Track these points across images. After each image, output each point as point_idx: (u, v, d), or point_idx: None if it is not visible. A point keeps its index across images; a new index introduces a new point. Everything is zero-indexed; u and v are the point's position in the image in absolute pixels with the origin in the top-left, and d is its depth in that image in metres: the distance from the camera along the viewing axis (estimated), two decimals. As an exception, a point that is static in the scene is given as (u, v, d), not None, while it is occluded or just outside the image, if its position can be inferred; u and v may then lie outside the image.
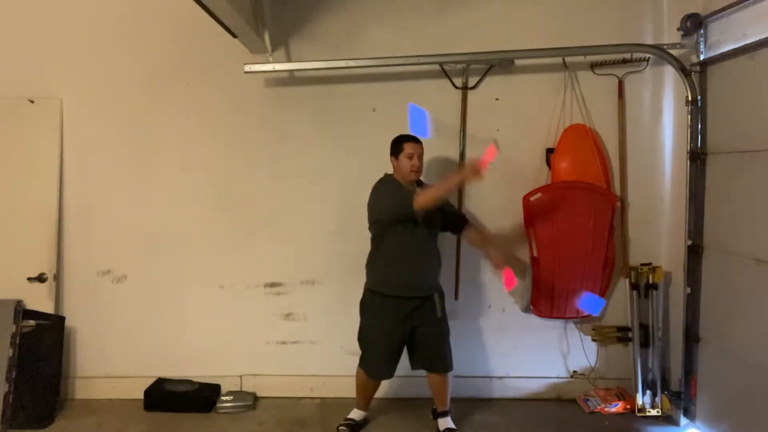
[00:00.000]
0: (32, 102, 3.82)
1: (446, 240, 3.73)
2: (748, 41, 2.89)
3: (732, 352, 3.04)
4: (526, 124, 3.73)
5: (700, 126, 3.29)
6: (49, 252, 3.80)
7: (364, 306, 3.30)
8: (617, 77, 3.67)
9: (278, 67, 3.62)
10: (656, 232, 3.73)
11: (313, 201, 3.83)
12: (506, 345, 3.84)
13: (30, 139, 3.84)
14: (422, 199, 3.00)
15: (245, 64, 3.57)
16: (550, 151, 3.69)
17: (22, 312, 3.64)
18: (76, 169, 3.86)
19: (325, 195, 3.81)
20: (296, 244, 3.86)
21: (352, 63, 3.55)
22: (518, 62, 3.71)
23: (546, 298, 3.59)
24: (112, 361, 3.90)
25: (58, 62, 3.84)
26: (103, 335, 3.90)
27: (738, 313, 3.00)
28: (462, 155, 3.73)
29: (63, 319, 3.81)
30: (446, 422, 3.35)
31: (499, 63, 3.68)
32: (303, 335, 3.90)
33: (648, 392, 3.57)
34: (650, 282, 3.59)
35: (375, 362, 3.29)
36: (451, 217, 3.38)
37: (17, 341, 3.58)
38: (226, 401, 3.74)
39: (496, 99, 3.75)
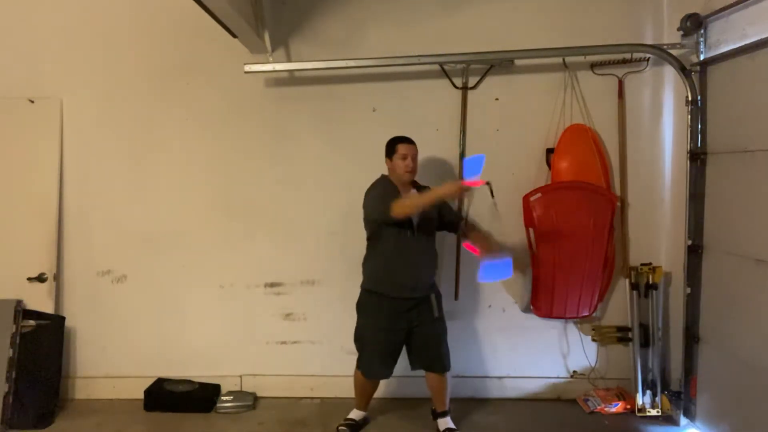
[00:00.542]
0: (32, 102, 3.82)
1: (446, 240, 3.74)
2: (748, 41, 2.88)
3: (732, 352, 3.04)
4: (526, 124, 3.73)
5: (700, 126, 3.29)
6: (49, 252, 3.80)
7: (361, 306, 3.31)
8: (617, 77, 3.67)
9: (278, 67, 3.62)
10: (656, 232, 3.73)
11: (313, 201, 3.83)
12: (506, 345, 3.84)
13: (30, 139, 3.84)
14: (400, 208, 2.97)
15: (245, 64, 3.58)
16: (550, 151, 3.69)
17: (22, 312, 3.65)
18: (76, 169, 3.87)
19: (326, 195, 3.81)
20: (296, 244, 3.86)
21: (352, 63, 3.55)
22: (518, 62, 3.71)
23: (546, 298, 3.59)
24: (112, 361, 3.91)
25: (58, 62, 3.84)
26: (103, 335, 3.90)
27: (738, 313, 3.00)
28: (462, 155, 3.73)
29: (63, 319, 3.81)
30: (446, 422, 3.35)
31: (499, 63, 3.68)
32: (303, 335, 3.90)
33: (648, 392, 3.57)
34: (650, 282, 3.59)
35: (371, 362, 3.30)
36: (447, 219, 3.37)
37: (17, 341, 3.58)
38: (226, 401, 3.74)
39: (496, 99, 3.75)
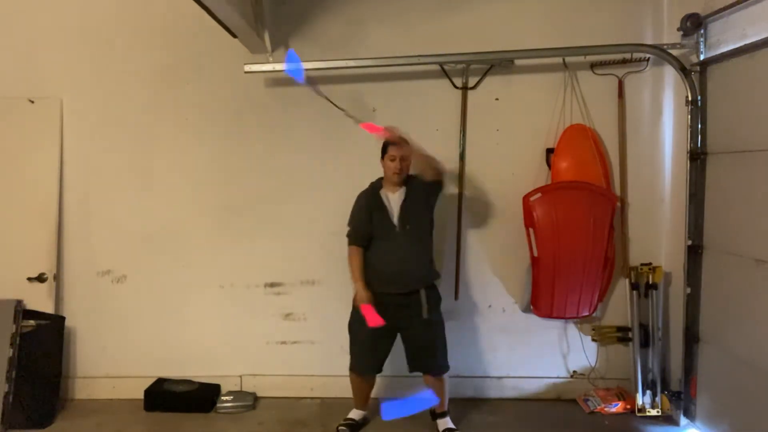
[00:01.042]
0: (32, 102, 3.82)
1: (446, 240, 3.75)
2: (748, 41, 2.88)
3: (732, 352, 3.04)
4: (526, 124, 3.73)
5: (700, 126, 3.28)
6: (49, 252, 3.80)
7: (354, 299, 3.33)
8: (617, 77, 3.67)
9: (278, 67, 3.61)
10: (656, 232, 3.73)
11: (313, 201, 3.83)
12: (506, 345, 3.84)
13: (30, 139, 3.84)
14: (349, 255, 3.30)
15: (245, 64, 3.58)
16: (550, 151, 3.69)
17: (22, 312, 3.65)
18: (76, 169, 3.87)
19: (325, 195, 3.81)
20: (296, 244, 3.86)
21: (352, 63, 3.55)
22: (518, 62, 3.71)
23: (546, 298, 3.59)
24: (112, 361, 3.91)
25: (58, 62, 3.85)
26: (103, 335, 3.90)
27: (738, 313, 3.00)
28: (462, 155, 3.73)
29: (63, 319, 3.81)
30: (445, 423, 3.36)
31: (499, 63, 3.68)
32: (303, 335, 3.90)
33: (648, 392, 3.57)
34: (650, 282, 3.59)
35: (357, 355, 3.34)
36: (427, 186, 3.32)
37: (17, 341, 3.58)
38: (226, 401, 3.74)
39: (496, 99, 3.75)
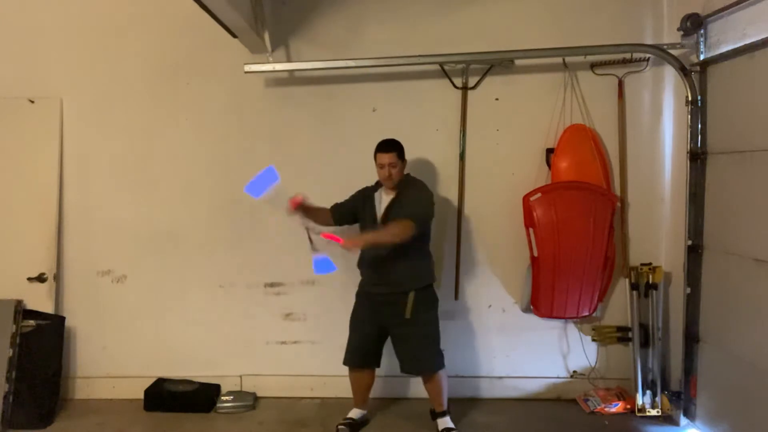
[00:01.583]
0: (32, 102, 3.82)
1: (446, 240, 3.75)
2: (748, 41, 2.88)
3: (732, 352, 3.04)
4: (526, 124, 3.72)
5: (700, 126, 3.28)
6: (49, 252, 3.80)
7: (355, 297, 3.42)
8: (617, 77, 3.67)
9: (278, 67, 3.62)
10: (656, 232, 3.73)
11: (313, 200, 3.82)
12: (506, 345, 3.84)
13: (30, 139, 3.84)
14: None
15: (245, 64, 3.57)
16: (550, 151, 3.69)
17: (22, 312, 3.65)
18: (76, 169, 3.87)
19: (326, 195, 3.77)
20: (296, 244, 3.84)
21: (352, 63, 3.55)
22: (518, 62, 3.71)
23: (546, 298, 3.59)
24: (112, 361, 3.91)
25: (58, 62, 3.85)
26: (103, 335, 3.90)
27: (738, 313, 3.00)
28: (462, 155, 3.73)
29: (63, 319, 3.81)
30: (445, 422, 3.35)
31: (499, 63, 3.67)
32: (303, 335, 3.90)
33: (648, 392, 3.57)
34: (650, 282, 3.59)
35: (347, 348, 3.38)
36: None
37: (17, 341, 3.58)
38: (226, 401, 3.74)
39: (496, 99, 3.75)
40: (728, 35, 3.05)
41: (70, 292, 3.89)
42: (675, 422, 3.44)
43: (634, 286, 3.63)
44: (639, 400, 3.55)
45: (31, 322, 3.65)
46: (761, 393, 2.83)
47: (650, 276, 3.59)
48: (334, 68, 3.65)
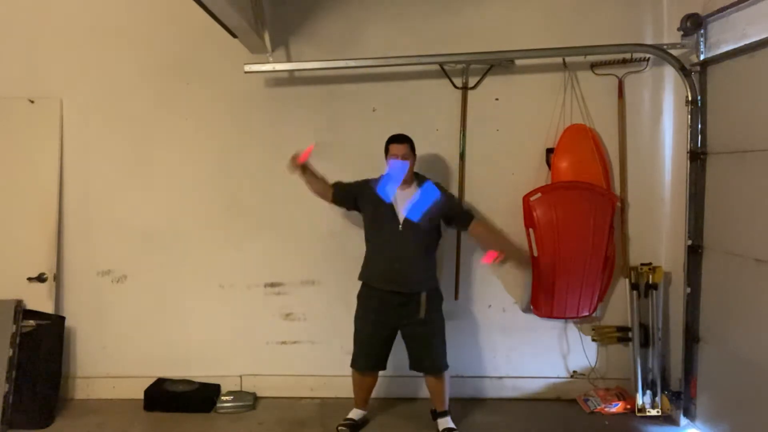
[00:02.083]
0: (32, 102, 3.82)
1: (446, 240, 3.74)
2: (748, 41, 2.88)
3: (732, 352, 3.04)
4: (526, 124, 3.72)
5: (700, 126, 3.28)
6: (49, 252, 3.80)
7: (358, 296, 3.38)
8: (617, 77, 3.67)
9: (278, 67, 3.62)
10: (656, 232, 3.73)
11: (313, 201, 3.81)
12: (506, 345, 3.84)
13: (30, 139, 3.84)
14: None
15: (245, 64, 3.57)
16: (550, 151, 3.69)
17: (22, 312, 3.65)
18: (76, 170, 3.86)
19: (325, 195, 3.80)
20: (296, 244, 3.86)
21: (352, 63, 3.55)
22: (518, 62, 3.71)
23: (546, 298, 3.59)
24: (112, 361, 3.91)
25: (58, 62, 3.84)
26: (103, 335, 3.90)
27: (738, 313, 3.00)
28: (462, 155, 3.73)
29: (63, 319, 3.81)
30: (446, 422, 3.35)
31: (499, 63, 3.67)
32: (303, 335, 3.90)
33: (648, 392, 3.57)
34: (650, 282, 3.59)
35: (356, 351, 3.36)
36: (454, 216, 3.39)
37: (17, 341, 3.58)
38: (226, 401, 3.74)
39: (496, 99, 3.75)
40: (728, 35, 3.05)
41: (70, 292, 3.89)
42: (675, 422, 3.45)
43: (634, 286, 3.63)
44: (639, 400, 3.55)
45: (31, 322, 3.65)
46: (761, 393, 2.83)
47: (650, 276, 3.59)
48: (334, 68, 3.65)
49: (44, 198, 3.81)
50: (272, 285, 3.89)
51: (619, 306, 3.75)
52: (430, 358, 3.30)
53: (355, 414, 3.46)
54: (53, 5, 3.83)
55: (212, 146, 3.86)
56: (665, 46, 3.40)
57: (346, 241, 3.70)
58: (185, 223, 3.87)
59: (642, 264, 3.62)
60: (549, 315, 3.65)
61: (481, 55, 3.60)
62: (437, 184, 3.31)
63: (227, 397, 3.76)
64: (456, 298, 3.80)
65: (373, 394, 3.55)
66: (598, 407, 3.61)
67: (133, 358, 3.90)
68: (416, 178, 3.33)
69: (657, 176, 3.71)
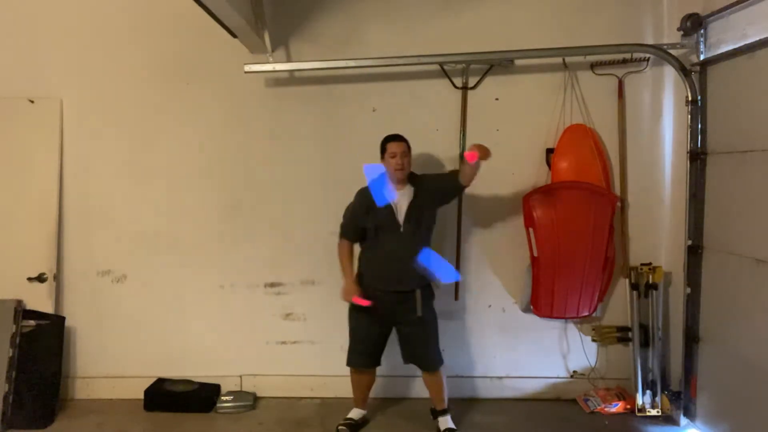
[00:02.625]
0: (32, 102, 3.82)
1: (446, 240, 3.75)
2: (748, 41, 2.88)
3: (732, 352, 3.04)
4: (526, 124, 3.73)
5: (700, 126, 3.29)
6: (49, 252, 3.80)
7: (342, 294, 3.35)
8: (617, 77, 3.67)
9: (278, 67, 3.62)
10: (656, 232, 3.73)
11: (313, 201, 3.83)
12: (506, 345, 3.84)
13: (30, 139, 3.84)
14: (338, 250, 3.36)
15: (245, 64, 3.57)
16: (550, 151, 3.69)
17: (22, 312, 3.65)
18: (76, 169, 3.87)
19: (325, 195, 3.80)
20: (296, 244, 3.86)
21: (352, 63, 3.55)
22: (518, 62, 3.71)
23: (546, 298, 3.59)
24: (112, 361, 3.91)
25: (58, 62, 3.84)
26: (103, 335, 3.90)
27: (738, 313, 3.00)
28: (462, 155, 3.72)
29: (63, 319, 3.81)
30: (446, 422, 3.35)
31: (499, 63, 3.68)
32: (303, 335, 3.90)
33: (648, 392, 3.57)
34: (650, 282, 3.59)
35: (351, 349, 3.36)
36: (447, 189, 3.35)
37: (17, 341, 3.58)
38: (226, 401, 3.74)
39: (496, 99, 3.75)
40: (728, 35, 3.05)
41: (70, 292, 3.89)
42: (675, 422, 3.44)
43: (634, 286, 3.63)
44: (639, 400, 3.55)
45: (31, 322, 3.66)
46: (761, 393, 2.83)
47: (650, 276, 3.59)
48: (334, 68, 3.65)
49: (44, 198, 3.81)
50: (272, 285, 3.89)
51: (619, 306, 3.75)
52: (426, 355, 3.32)
53: (355, 414, 3.47)
54: (53, 5, 3.83)
55: (212, 146, 3.86)
56: (665, 46, 3.41)
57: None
58: (185, 223, 3.87)
59: (642, 264, 3.62)
60: (549, 315, 3.65)
61: (481, 55, 3.60)
62: (420, 176, 3.32)
63: (227, 397, 3.76)
64: (456, 298, 3.80)
65: (373, 394, 3.55)
66: (598, 407, 3.61)
67: (133, 358, 3.90)
68: (414, 175, 3.32)
69: (657, 176, 3.71)
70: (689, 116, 3.30)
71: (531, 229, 3.60)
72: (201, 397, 3.77)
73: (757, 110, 2.87)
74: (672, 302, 3.60)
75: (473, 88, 3.74)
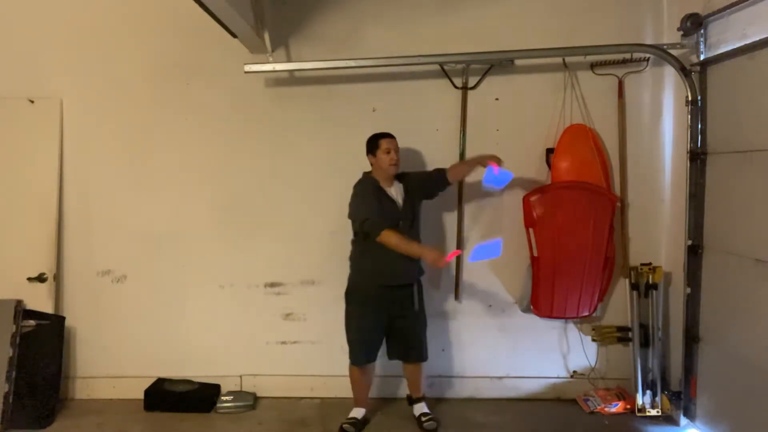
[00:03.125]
0: (32, 102, 3.82)
1: (447, 240, 3.75)
2: (748, 41, 2.88)
3: (732, 352, 3.04)
4: (526, 124, 3.72)
5: (700, 126, 3.28)
6: (49, 252, 3.80)
7: (348, 295, 3.41)
8: (617, 77, 3.67)
9: (278, 67, 3.62)
10: (656, 232, 3.73)
11: (313, 201, 3.83)
12: (506, 345, 3.84)
13: (30, 139, 3.84)
14: (386, 239, 3.15)
15: (245, 64, 3.57)
16: (550, 151, 3.69)
17: (22, 312, 3.65)
18: (76, 169, 3.87)
19: (325, 195, 3.80)
20: (296, 244, 3.86)
21: (352, 63, 3.55)
22: (518, 62, 3.71)
23: (546, 298, 3.59)
24: (112, 361, 3.91)
25: (58, 62, 3.84)
26: (103, 335, 3.90)
27: (738, 313, 3.00)
28: (462, 155, 3.73)
29: (63, 319, 3.81)
30: (421, 407, 3.46)
31: (499, 63, 3.68)
32: (303, 335, 3.90)
33: (648, 392, 3.57)
34: (650, 282, 3.59)
35: (357, 349, 3.39)
36: (431, 185, 3.43)
37: (17, 341, 3.58)
38: (226, 401, 3.74)
39: (496, 99, 3.75)
40: (728, 35, 3.05)
41: (70, 292, 3.89)
42: (675, 422, 3.45)
43: (634, 286, 3.63)
44: (639, 400, 3.55)
45: (31, 322, 3.65)
46: (761, 393, 2.83)
47: (650, 276, 3.59)
48: (334, 68, 3.65)
49: (44, 198, 3.81)
50: (272, 285, 3.89)
51: (619, 306, 3.75)
52: (417, 348, 3.41)
53: (358, 413, 3.47)
54: (53, 5, 3.83)
55: (212, 146, 3.86)
56: (665, 46, 3.40)
57: (346, 241, 3.68)
58: (185, 223, 3.88)
59: (642, 264, 3.62)
60: (549, 315, 3.65)
61: (481, 55, 3.60)
62: (404, 173, 3.39)
63: (227, 397, 3.76)
64: (456, 298, 3.80)
65: (372, 394, 3.57)
66: (598, 407, 3.61)
67: (133, 358, 3.90)
68: (399, 175, 3.39)
69: (657, 176, 3.71)
70: (689, 116, 3.30)
71: (531, 229, 3.60)
72: (201, 397, 3.77)
73: (757, 110, 2.87)
74: (672, 302, 3.60)
75: (473, 88, 3.74)
